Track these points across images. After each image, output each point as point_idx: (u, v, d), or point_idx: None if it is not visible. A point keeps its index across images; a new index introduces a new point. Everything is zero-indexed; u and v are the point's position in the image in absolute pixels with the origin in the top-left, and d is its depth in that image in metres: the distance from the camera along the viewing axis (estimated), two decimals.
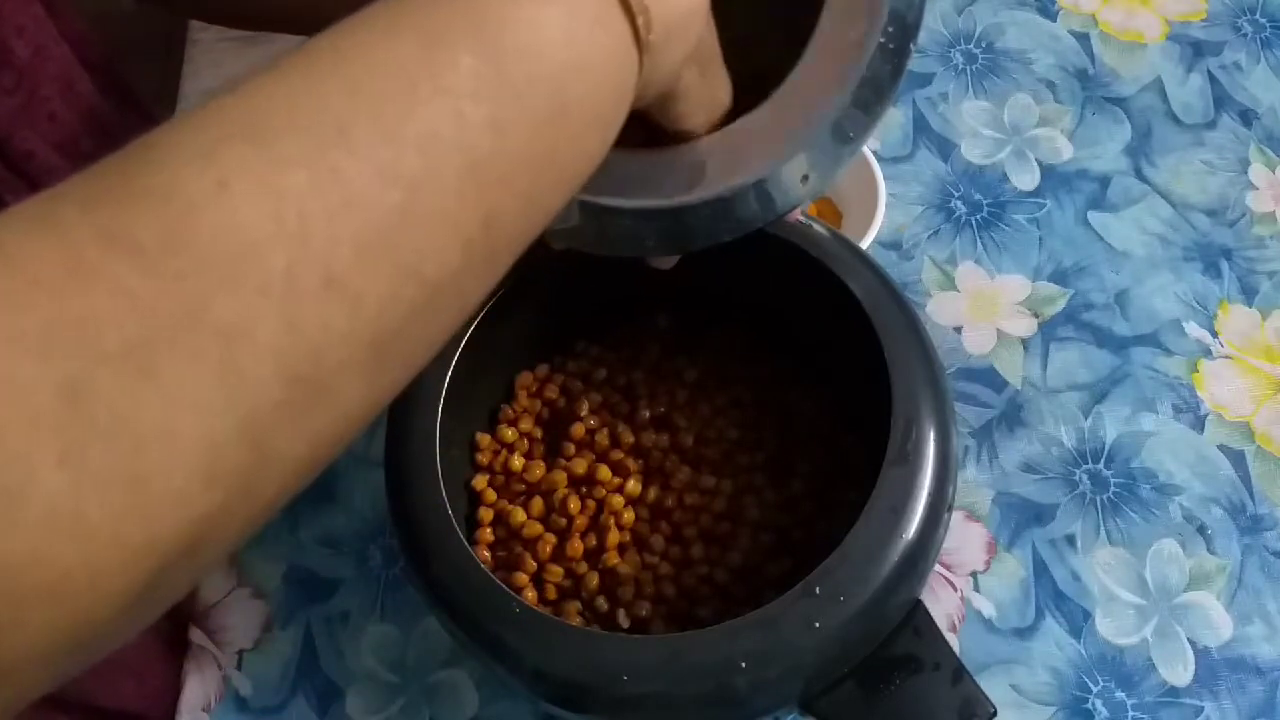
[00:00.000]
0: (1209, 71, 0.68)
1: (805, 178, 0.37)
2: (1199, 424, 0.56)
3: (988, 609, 0.52)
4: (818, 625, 0.37)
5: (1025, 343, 0.59)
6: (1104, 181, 0.64)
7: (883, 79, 0.36)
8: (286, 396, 0.22)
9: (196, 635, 0.53)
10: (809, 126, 0.36)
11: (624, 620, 0.45)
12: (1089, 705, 0.50)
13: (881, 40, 0.36)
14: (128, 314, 0.20)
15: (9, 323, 0.19)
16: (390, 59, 0.25)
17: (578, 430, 0.49)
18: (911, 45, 0.36)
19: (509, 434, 0.50)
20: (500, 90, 0.26)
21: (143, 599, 0.21)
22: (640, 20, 0.29)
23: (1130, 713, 0.49)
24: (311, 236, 0.22)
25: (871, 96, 0.36)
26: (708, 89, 0.35)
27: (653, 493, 0.48)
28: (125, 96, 0.50)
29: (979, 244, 0.63)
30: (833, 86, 0.36)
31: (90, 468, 0.19)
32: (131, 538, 0.20)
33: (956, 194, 0.64)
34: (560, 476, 0.48)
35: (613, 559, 0.46)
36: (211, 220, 0.21)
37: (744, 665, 0.37)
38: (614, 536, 0.47)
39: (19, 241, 0.20)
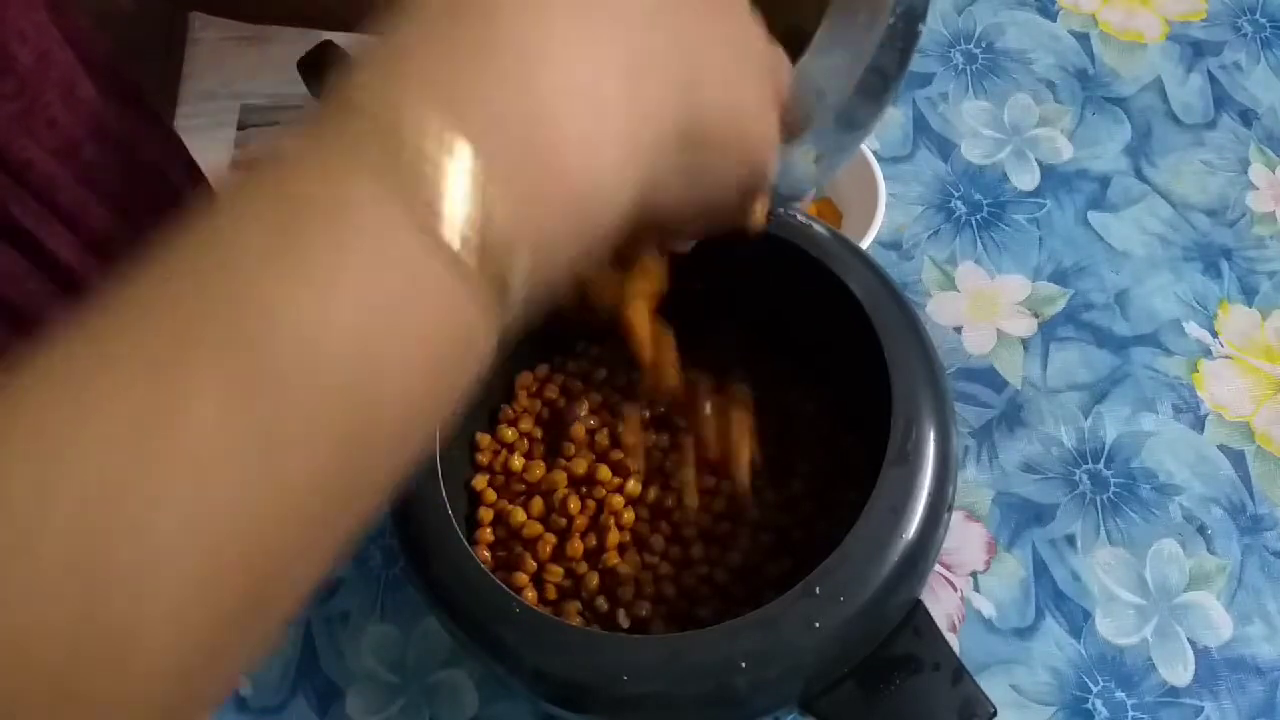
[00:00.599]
0: (1209, 71, 0.68)
1: (817, 159, 0.37)
2: (1199, 424, 0.56)
3: (988, 609, 0.52)
4: (818, 625, 0.37)
5: (1025, 343, 0.59)
6: (1104, 181, 0.64)
7: (889, 66, 0.36)
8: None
9: None
10: (815, 112, 0.36)
11: (624, 620, 0.45)
12: (1089, 705, 0.50)
13: (890, 22, 0.36)
14: None
15: None
16: (113, 410, 0.18)
17: (578, 430, 0.49)
18: (920, 28, 0.37)
19: (509, 434, 0.50)
20: (260, 445, 0.19)
21: None
22: (497, 265, 0.21)
23: (1130, 713, 0.49)
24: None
25: (878, 83, 0.36)
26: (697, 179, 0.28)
27: (653, 493, 0.48)
28: (127, 99, 0.50)
29: (979, 244, 0.63)
30: (840, 71, 0.36)
31: None
32: None
33: (956, 194, 0.64)
34: (560, 476, 0.48)
35: (613, 559, 0.46)
36: None
37: (744, 665, 0.37)
38: (614, 536, 0.47)
39: None
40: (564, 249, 0.23)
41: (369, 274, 0.20)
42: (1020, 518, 0.54)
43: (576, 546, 0.46)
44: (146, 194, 0.49)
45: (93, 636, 0.18)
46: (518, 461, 0.49)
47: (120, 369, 0.19)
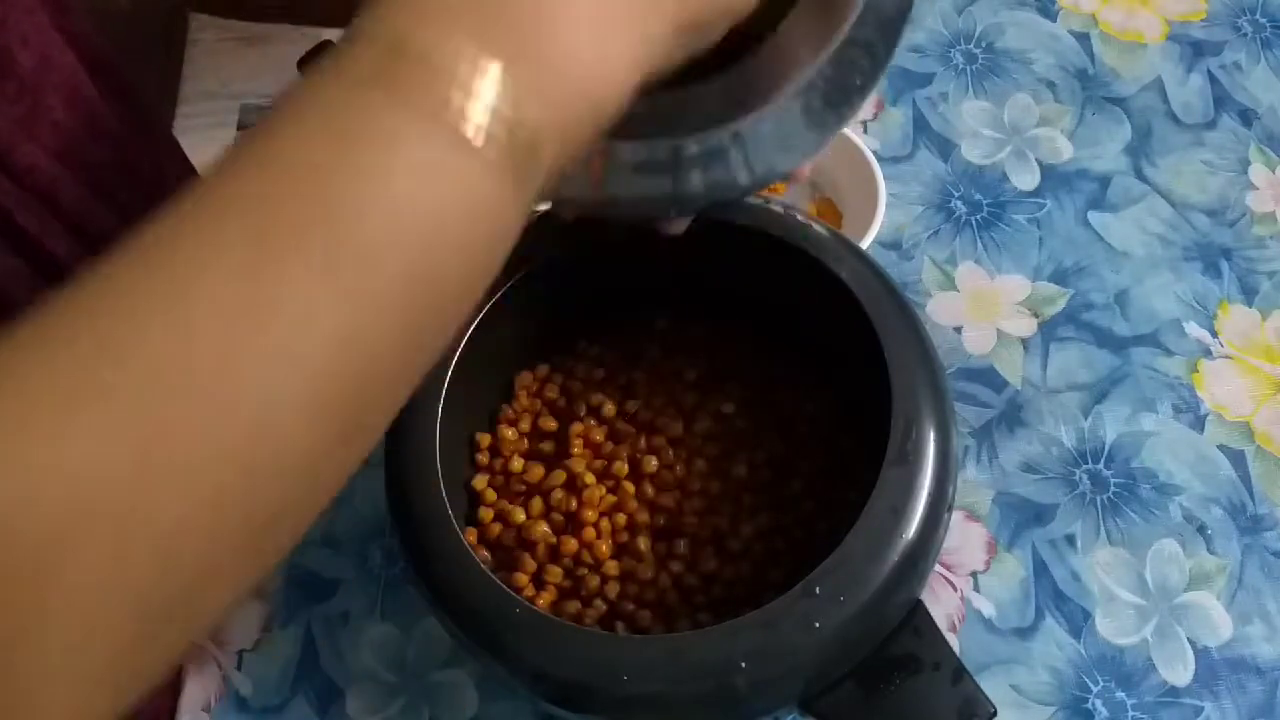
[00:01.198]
0: (1209, 71, 0.68)
1: (799, 137, 0.36)
2: (1199, 424, 0.56)
3: (988, 609, 0.52)
4: (818, 625, 0.37)
5: (1025, 343, 0.59)
6: (1104, 181, 0.64)
7: (873, 43, 0.36)
8: (143, 630, 0.22)
9: None
10: (796, 81, 0.36)
11: (624, 620, 0.45)
12: (1089, 705, 0.50)
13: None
14: None
15: None
16: (220, 278, 0.22)
17: (577, 430, 0.49)
18: (908, 6, 0.36)
19: (509, 434, 0.50)
20: (349, 291, 0.23)
21: None
22: (520, 150, 0.25)
23: (1130, 713, 0.49)
24: (147, 504, 0.21)
25: (863, 59, 0.36)
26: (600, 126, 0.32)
27: (651, 492, 0.48)
28: (129, 101, 0.50)
29: (979, 244, 0.63)
30: (819, 45, 0.36)
31: None
32: None
33: (956, 194, 0.64)
34: (560, 476, 0.48)
35: (611, 559, 0.46)
36: (28, 510, 0.20)
37: (744, 665, 0.37)
38: (613, 536, 0.47)
39: None
40: (581, 135, 0.27)
41: (422, 173, 0.24)
42: (1020, 518, 0.54)
43: (576, 546, 0.46)
44: (147, 197, 0.49)
45: (230, 449, 0.22)
46: (518, 462, 0.49)
47: (223, 249, 0.22)
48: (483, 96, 0.24)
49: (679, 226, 0.42)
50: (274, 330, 0.22)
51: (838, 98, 0.36)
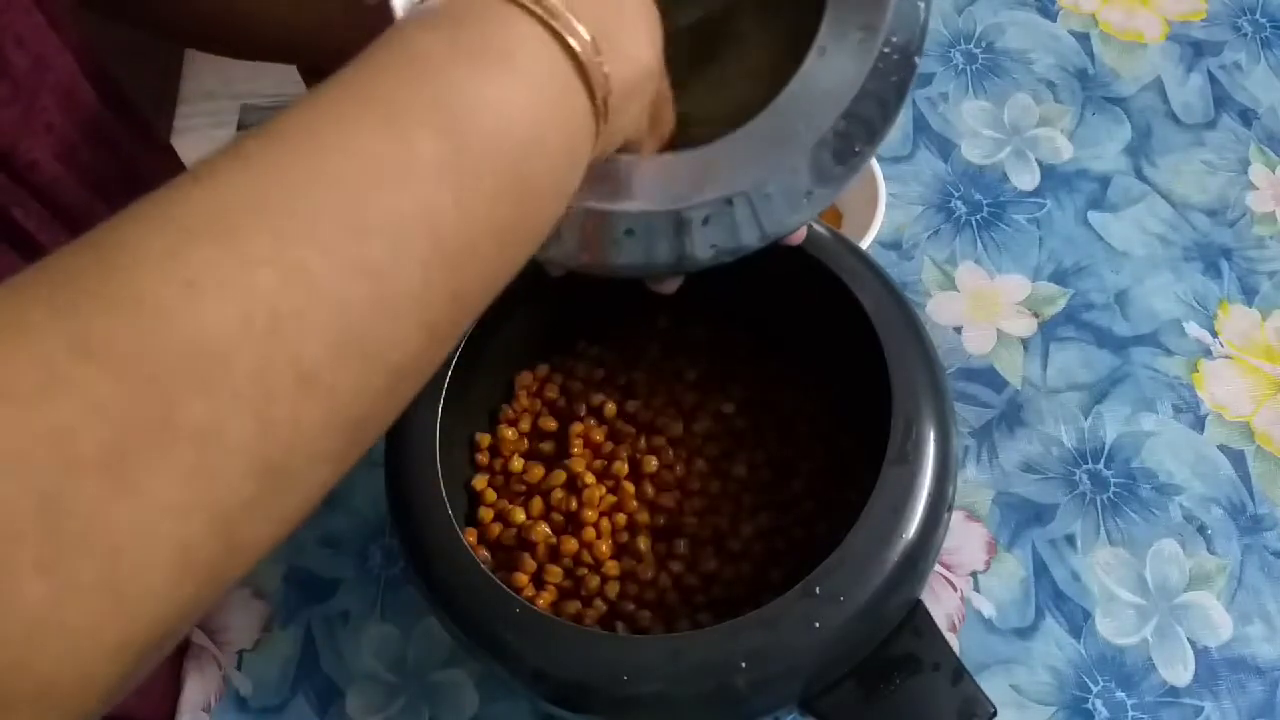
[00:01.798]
0: (1209, 71, 0.68)
1: (808, 194, 0.36)
2: (1199, 424, 0.56)
3: (988, 609, 0.52)
4: (818, 625, 0.37)
5: (1025, 343, 0.59)
6: (1104, 181, 0.64)
7: (886, 91, 0.35)
8: (258, 491, 0.22)
9: (196, 635, 0.53)
10: (806, 140, 0.35)
11: (624, 620, 0.45)
12: (1089, 705, 0.50)
13: (885, 51, 0.35)
14: (99, 423, 0.20)
15: None
16: (354, 144, 0.25)
17: (577, 430, 0.49)
18: (916, 61, 0.36)
19: (509, 434, 0.50)
20: (465, 172, 0.26)
21: (121, 685, 0.22)
22: (600, 94, 0.29)
23: (1130, 713, 0.49)
24: (281, 335, 0.22)
25: (875, 111, 0.35)
26: (658, 128, 0.36)
27: (651, 492, 0.48)
28: (126, 106, 0.50)
29: (979, 244, 0.63)
30: (831, 101, 0.35)
31: (68, 577, 0.20)
32: (110, 639, 0.21)
33: (956, 194, 0.64)
34: (560, 476, 0.48)
35: (611, 559, 0.46)
36: (181, 324, 0.21)
37: (744, 665, 0.37)
38: (613, 536, 0.47)
39: None
40: (639, 103, 0.33)
41: (535, 82, 0.28)
42: (1020, 518, 0.54)
43: (575, 546, 0.46)
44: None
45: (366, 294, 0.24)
46: (517, 462, 0.49)
47: (363, 126, 0.25)
48: (581, 30, 0.29)
49: (671, 286, 0.41)
50: (408, 188, 0.25)
51: (847, 152, 0.36)
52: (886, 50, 0.35)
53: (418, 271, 0.25)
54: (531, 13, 0.28)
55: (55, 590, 0.19)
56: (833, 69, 0.35)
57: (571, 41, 0.28)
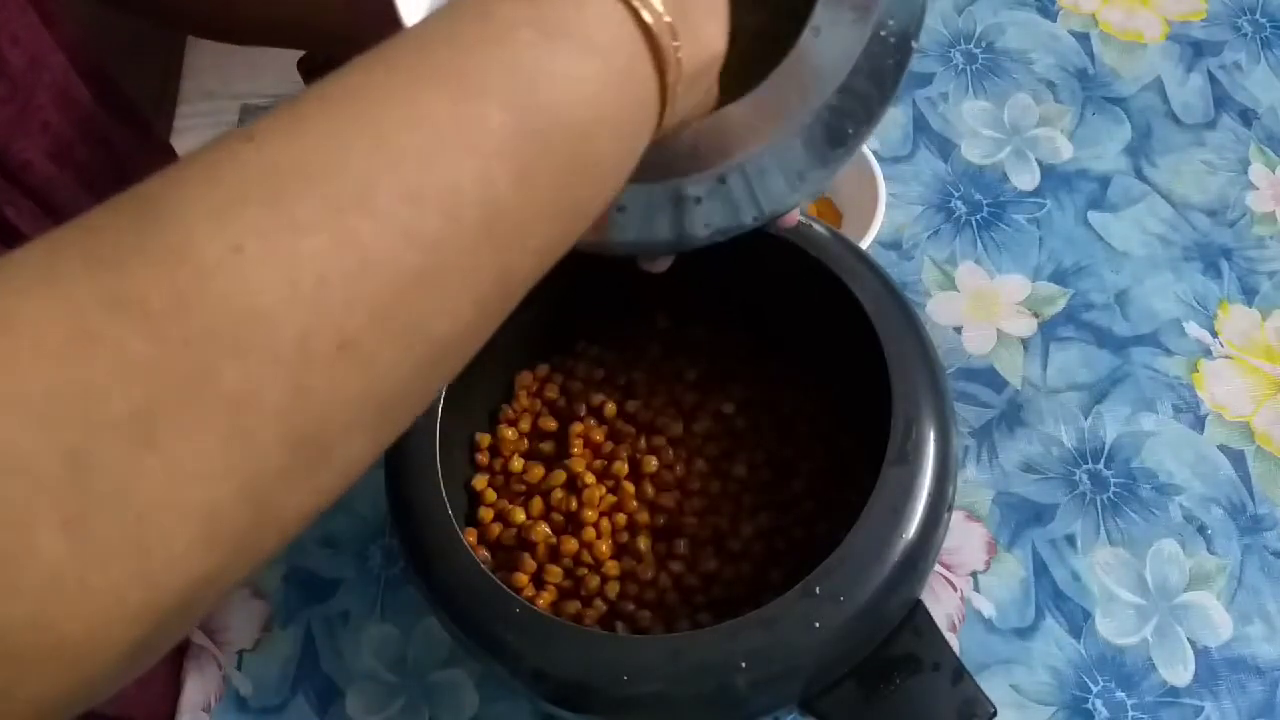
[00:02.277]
0: (1209, 71, 0.68)
1: (803, 173, 0.36)
2: (1199, 424, 0.56)
3: (988, 609, 0.52)
4: (818, 625, 0.37)
5: (1025, 343, 0.59)
6: (1104, 181, 0.64)
7: (882, 73, 0.36)
8: (291, 460, 0.22)
9: (197, 635, 0.53)
10: (800, 116, 0.35)
11: (624, 620, 0.45)
12: (1089, 705, 0.50)
13: (880, 33, 0.35)
14: (132, 381, 0.20)
15: (11, 390, 0.19)
16: (417, 111, 0.24)
17: (577, 430, 0.49)
18: (913, 45, 0.36)
19: (509, 434, 0.50)
20: (527, 146, 0.25)
21: (140, 654, 0.21)
22: (671, 78, 0.29)
23: (1130, 713, 0.49)
24: (327, 301, 0.22)
25: (871, 89, 0.35)
26: (703, 110, 0.36)
27: (651, 492, 0.48)
28: (122, 105, 0.50)
29: (979, 244, 0.63)
30: (826, 78, 0.35)
31: (92, 536, 0.19)
32: (131, 602, 0.20)
33: (956, 194, 0.64)
34: (560, 476, 0.48)
35: (611, 559, 0.46)
36: (223, 285, 0.21)
37: (744, 665, 0.37)
38: (612, 536, 0.47)
39: (19, 303, 0.20)
40: (703, 87, 0.32)
41: (610, 63, 0.27)
42: (1020, 518, 0.54)
43: (575, 546, 0.46)
44: None
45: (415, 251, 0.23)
46: (517, 462, 0.49)
47: (425, 91, 0.25)
48: (662, 12, 0.28)
49: (662, 265, 0.41)
50: (470, 160, 0.24)
51: (842, 132, 0.36)
52: (882, 32, 0.35)
53: (470, 243, 0.24)
54: None
55: (79, 547, 0.19)
56: (827, 48, 0.35)
57: (651, 23, 0.28)
